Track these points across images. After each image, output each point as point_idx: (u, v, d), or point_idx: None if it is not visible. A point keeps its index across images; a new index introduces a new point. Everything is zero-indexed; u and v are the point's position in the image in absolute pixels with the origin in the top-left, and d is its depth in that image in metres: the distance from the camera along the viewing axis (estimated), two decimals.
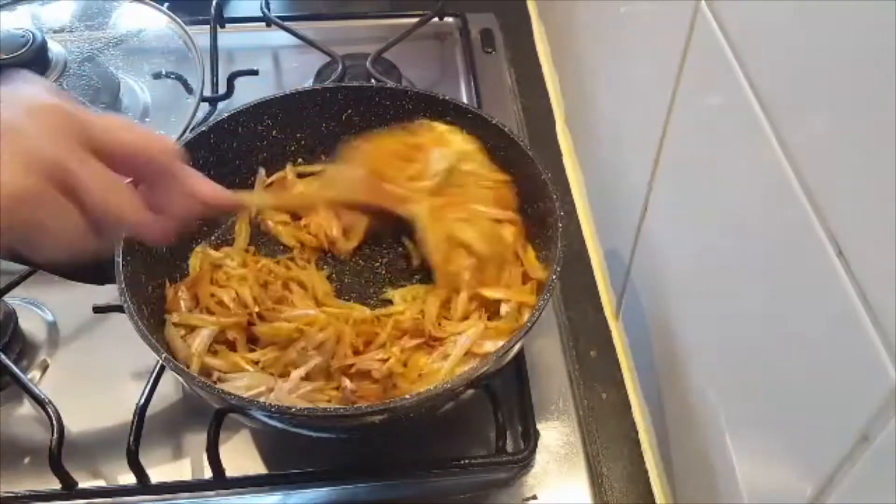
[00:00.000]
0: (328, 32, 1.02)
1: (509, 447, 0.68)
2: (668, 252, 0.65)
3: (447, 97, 0.77)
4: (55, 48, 0.86)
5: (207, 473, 0.65)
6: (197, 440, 0.68)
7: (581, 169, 0.91)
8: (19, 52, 0.82)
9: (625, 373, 0.77)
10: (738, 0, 0.48)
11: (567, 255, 0.65)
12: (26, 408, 0.71)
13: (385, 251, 0.77)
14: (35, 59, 0.83)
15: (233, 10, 1.08)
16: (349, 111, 0.80)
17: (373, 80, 0.91)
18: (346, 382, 0.63)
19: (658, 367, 0.70)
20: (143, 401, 0.67)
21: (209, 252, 0.73)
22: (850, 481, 0.39)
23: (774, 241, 0.46)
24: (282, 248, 0.77)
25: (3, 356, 0.71)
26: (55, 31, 0.90)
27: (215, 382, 0.63)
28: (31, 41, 0.82)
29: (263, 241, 0.78)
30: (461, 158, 0.72)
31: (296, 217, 0.78)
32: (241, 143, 0.77)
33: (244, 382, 0.64)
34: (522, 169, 0.73)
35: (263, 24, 1.02)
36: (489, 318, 0.69)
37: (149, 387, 0.67)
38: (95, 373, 0.74)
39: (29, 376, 0.72)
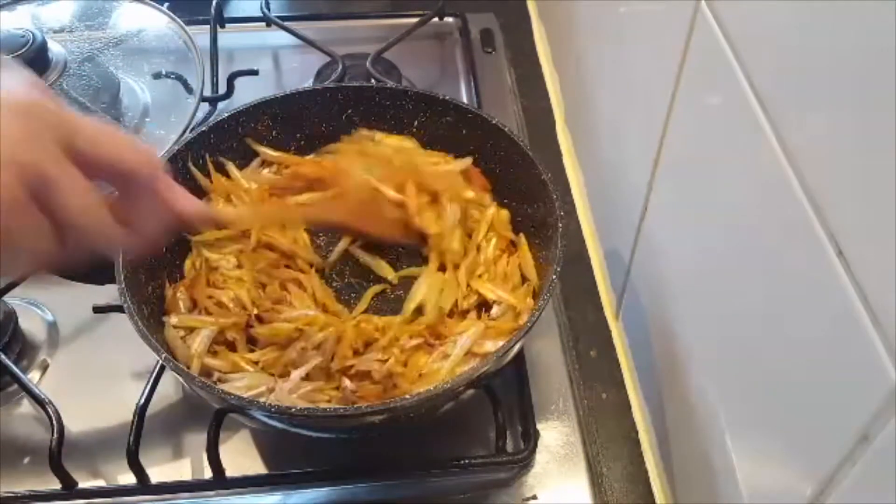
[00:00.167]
0: (328, 32, 1.03)
1: (509, 447, 0.68)
2: (668, 252, 0.65)
3: (447, 97, 0.77)
4: (55, 48, 0.86)
5: (207, 473, 0.65)
6: (197, 440, 0.68)
7: (581, 169, 0.91)
8: (19, 52, 0.82)
9: (625, 373, 0.77)
10: (738, 0, 0.48)
11: (567, 255, 0.65)
12: (26, 408, 0.71)
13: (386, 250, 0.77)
14: (35, 59, 0.83)
15: (233, 10, 1.08)
16: (349, 111, 0.80)
17: (373, 80, 0.91)
18: (346, 382, 0.63)
19: (658, 367, 0.70)
20: (143, 401, 0.67)
21: (204, 253, 0.73)
22: (850, 481, 0.39)
23: (774, 241, 0.46)
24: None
25: (3, 356, 0.71)
26: (55, 31, 0.90)
27: (215, 383, 0.63)
28: (31, 41, 0.82)
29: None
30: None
31: None
32: (241, 143, 0.77)
33: (244, 382, 0.64)
34: (522, 169, 0.73)
35: (263, 24, 1.02)
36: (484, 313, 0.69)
37: (149, 387, 0.67)
38: (95, 373, 0.74)
39: (29, 376, 0.72)
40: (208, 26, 0.99)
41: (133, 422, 0.65)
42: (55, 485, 0.65)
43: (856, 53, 0.37)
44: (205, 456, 0.64)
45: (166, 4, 0.95)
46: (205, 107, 0.90)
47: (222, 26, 1.02)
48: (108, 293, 0.68)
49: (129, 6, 0.95)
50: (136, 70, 0.93)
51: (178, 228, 0.52)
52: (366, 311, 0.72)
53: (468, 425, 0.70)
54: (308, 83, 0.98)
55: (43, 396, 0.67)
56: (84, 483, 0.66)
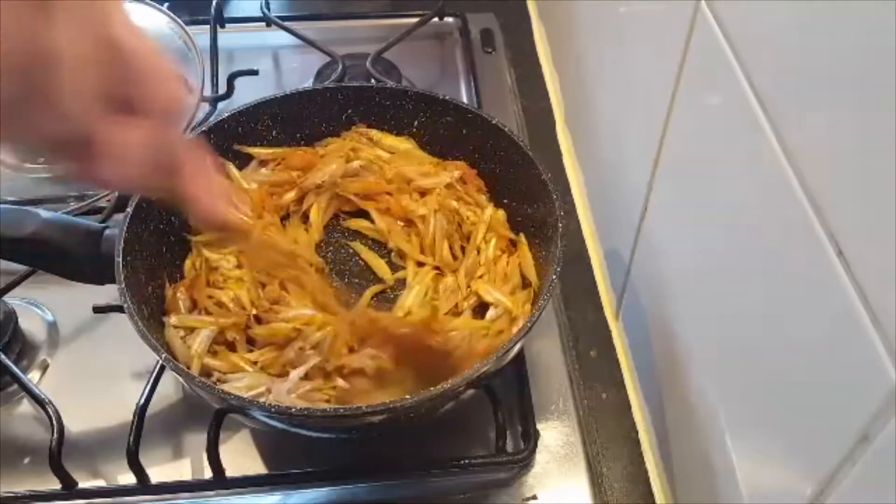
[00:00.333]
0: (328, 32, 1.02)
1: (509, 447, 0.68)
2: (668, 252, 0.65)
3: (447, 97, 0.77)
4: None
5: (207, 473, 0.65)
6: (197, 440, 0.68)
7: (581, 169, 0.91)
8: None
9: (625, 373, 0.77)
10: (738, 0, 0.48)
11: (567, 255, 0.65)
12: (26, 408, 0.71)
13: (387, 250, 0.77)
14: None
15: (233, 10, 1.08)
16: (349, 111, 0.80)
17: (373, 80, 0.91)
18: (340, 382, 0.63)
19: (658, 367, 0.70)
20: (143, 401, 0.66)
21: (204, 253, 0.73)
22: (850, 481, 0.39)
23: (774, 240, 0.46)
24: None
25: (3, 356, 0.71)
26: None
27: (216, 383, 0.63)
28: None
29: None
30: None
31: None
32: (241, 143, 0.77)
33: (244, 383, 0.64)
34: (522, 169, 0.73)
35: (263, 24, 1.02)
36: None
37: (149, 387, 0.67)
38: (95, 373, 0.74)
39: (29, 376, 0.72)
40: (208, 26, 0.99)
41: (133, 422, 0.65)
42: (55, 485, 0.65)
43: (856, 53, 0.37)
44: (205, 456, 0.64)
45: (166, 4, 0.95)
46: (205, 107, 0.90)
47: (222, 26, 1.02)
48: (108, 293, 0.68)
49: (129, 6, 0.95)
50: None
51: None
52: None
53: (468, 425, 0.70)
54: (308, 83, 0.98)
55: (43, 396, 0.67)
56: (84, 483, 0.66)
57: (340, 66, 0.93)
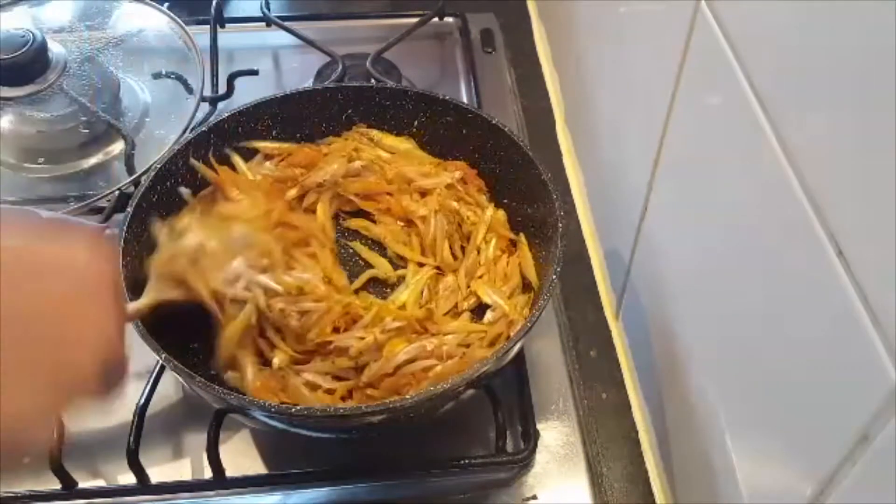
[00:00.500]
0: (328, 32, 1.02)
1: (509, 447, 0.68)
2: (668, 252, 0.65)
3: (447, 97, 0.77)
4: (55, 48, 0.86)
5: (207, 473, 0.65)
6: (197, 440, 0.68)
7: (581, 169, 0.92)
8: (19, 52, 0.82)
9: (625, 373, 0.77)
10: (738, 0, 0.48)
11: (567, 255, 0.65)
12: None
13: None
14: (35, 59, 0.83)
15: (233, 10, 1.08)
16: (349, 111, 0.80)
17: (373, 80, 0.91)
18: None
19: (658, 367, 0.70)
20: (143, 401, 0.67)
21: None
22: (850, 481, 0.39)
23: (774, 241, 0.46)
24: None
25: None
26: (55, 31, 0.90)
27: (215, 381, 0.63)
28: (31, 41, 0.82)
29: None
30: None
31: None
32: (241, 143, 0.77)
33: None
34: (522, 169, 0.73)
35: (263, 24, 1.02)
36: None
37: (149, 387, 0.67)
38: None
39: None
40: (208, 26, 0.99)
41: (133, 422, 0.65)
42: (55, 485, 0.65)
43: (856, 53, 0.37)
44: (205, 456, 0.64)
45: (166, 4, 0.95)
46: (205, 107, 0.90)
47: (222, 26, 1.02)
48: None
49: (129, 6, 0.95)
50: (136, 70, 0.93)
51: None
52: None
53: (468, 425, 0.70)
54: (308, 83, 0.98)
55: None
56: (84, 483, 0.66)
57: (340, 66, 0.93)
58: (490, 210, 0.76)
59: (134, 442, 0.64)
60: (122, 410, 0.67)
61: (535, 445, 0.68)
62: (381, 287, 0.75)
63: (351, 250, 0.78)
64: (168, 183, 0.72)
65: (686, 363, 0.62)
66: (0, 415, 0.38)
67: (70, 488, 0.65)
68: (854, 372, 0.38)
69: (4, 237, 0.40)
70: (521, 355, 0.71)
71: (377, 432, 0.68)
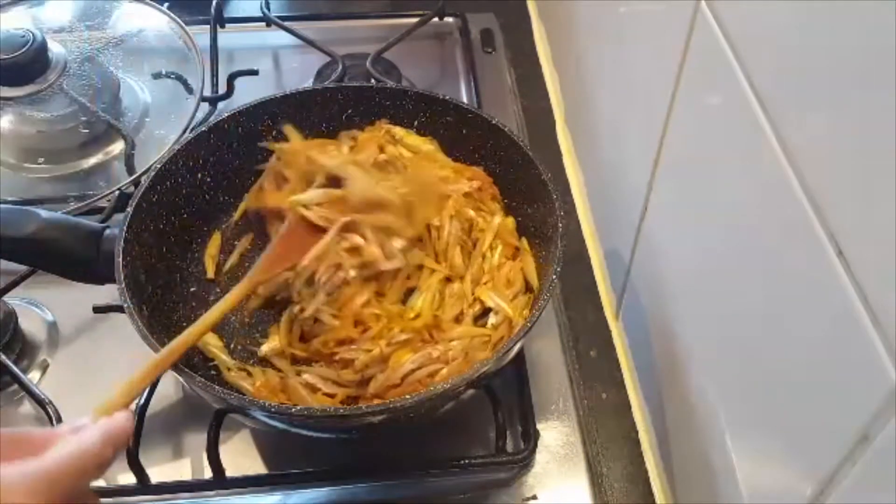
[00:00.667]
0: (328, 32, 1.02)
1: (509, 447, 0.68)
2: (668, 252, 0.65)
3: (447, 97, 0.77)
4: (55, 48, 0.86)
5: (207, 473, 0.65)
6: (197, 440, 0.68)
7: (581, 169, 0.92)
8: (19, 52, 0.82)
9: (625, 373, 0.77)
10: (738, 0, 0.48)
11: (567, 255, 0.65)
12: (26, 408, 0.71)
13: None
14: (35, 59, 0.83)
15: (233, 10, 1.08)
16: (349, 111, 0.80)
17: (373, 80, 0.91)
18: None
19: (658, 367, 0.70)
20: (143, 401, 0.67)
21: None
22: (850, 481, 0.39)
23: (774, 240, 0.46)
24: None
25: (3, 356, 0.71)
26: (55, 31, 0.90)
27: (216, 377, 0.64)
28: (31, 41, 0.82)
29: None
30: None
31: None
32: (241, 143, 0.77)
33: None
34: (522, 169, 0.73)
35: (263, 24, 1.02)
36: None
37: (149, 387, 0.67)
38: (95, 373, 0.73)
39: (29, 376, 0.72)
40: (208, 26, 0.99)
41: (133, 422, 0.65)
42: None
43: (856, 53, 0.37)
44: (205, 456, 0.64)
45: (166, 4, 0.95)
46: (205, 107, 0.90)
47: (222, 26, 1.02)
48: (108, 293, 0.68)
49: (129, 6, 0.95)
50: (136, 70, 0.93)
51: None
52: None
53: (468, 425, 0.70)
54: (308, 83, 0.98)
55: (43, 396, 0.67)
56: None
57: (340, 66, 0.93)
58: (498, 217, 0.75)
59: (134, 442, 0.64)
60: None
61: (535, 445, 0.68)
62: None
63: None
64: (168, 183, 0.72)
65: (686, 363, 0.62)
66: None
67: None
68: (854, 372, 0.38)
69: None
70: (521, 355, 0.71)
71: (377, 432, 0.68)
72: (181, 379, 0.68)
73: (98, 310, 0.72)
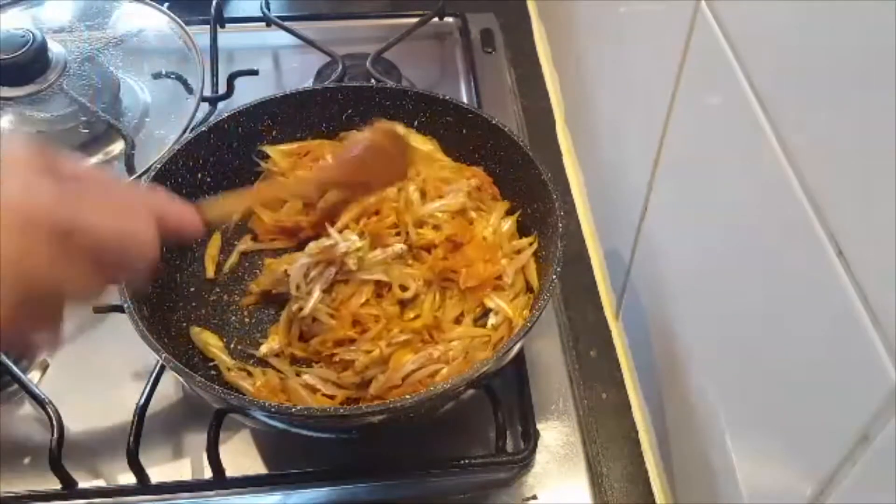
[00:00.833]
0: (328, 32, 1.02)
1: (509, 447, 0.68)
2: (668, 252, 0.65)
3: (447, 97, 0.77)
4: (55, 48, 0.86)
5: (207, 473, 0.65)
6: (197, 440, 0.68)
7: (581, 169, 0.92)
8: (19, 52, 0.82)
9: (625, 373, 0.77)
10: (738, 0, 0.48)
11: (567, 255, 0.65)
12: (26, 408, 0.71)
13: None
14: (35, 59, 0.83)
15: (233, 10, 1.08)
16: (349, 111, 0.80)
17: (373, 80, 0.91)
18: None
19: (658, 367, 0.70)
20: (143, 401, 0.67)
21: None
22: (850, 481, 0.39)
23: (774, 241, 0.46)
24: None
25: (3, 356, 0.71)
26: (55, 31, 0.90)
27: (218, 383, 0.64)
28: (31, 41, 0.82)
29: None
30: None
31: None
32: (241, 143, 0.77)
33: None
34: (522, 169, 0.73)
35: (263, 24, 1.02)
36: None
37: (149, 387, 0.67)
38: (95, 373, 0.74)
39: (29, 376, 0.72)
40: (208, 26, 0.99)
41: (133, 422, 0.65)
42: (55, 485, 0.65)
43: (856, 53, 0.37)
44: (205, 456, 0.64)
45: (166, 4, 0.95)
46: (205, 107, 0.90)
47: (222, 26, 1.02)
48: (108, 293, 0.68)
49: (129, 6, 0.95)
50: (136, 70, 0.93)
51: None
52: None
53: (468, 425, 0.70)
54: (308, 83, 0.98)
55: (43, 396, 0.67)
56: (84, 483, 0.66)
57: (340, 66, 0.93)
58: (494, 216, 0.75)
59: (134, 442, 0.64)
60: (122, 410, 0.67)
61: (535, 445, 0.68)
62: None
63: None
64: (168, 183, 0.72)
65: (686, 363, 0.62)
66: None
67: (70, 488, 0.65)
68: (854, 372, 0.38)
69: None
70: (521, 355, 0.71)
71: (377, 432, 0.68)
72: (181, 379, 0.68)
73: (98, 310, 0.72)
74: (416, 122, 0.79)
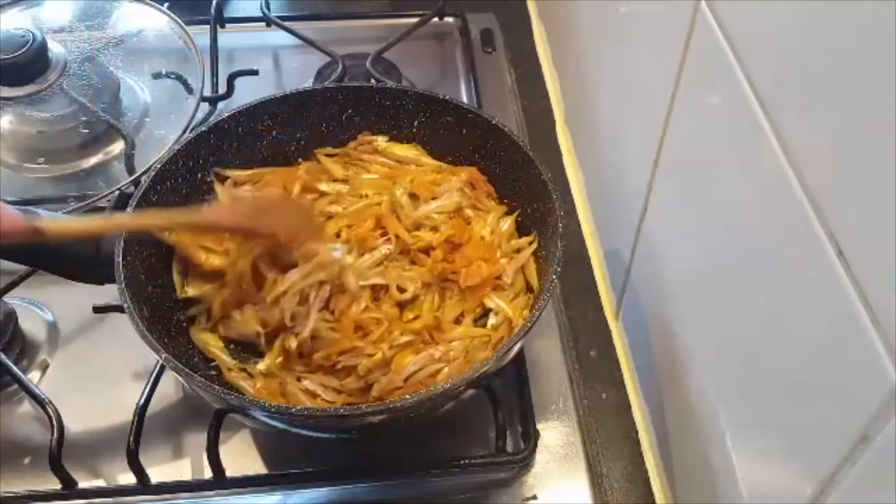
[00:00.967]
0: (328, 32, 1.02)
1: (509, 447, 0.68)
2: (668, 252, 0.65)
3: (447, 97, 0.77)
4: (55, 48, 0.86)
5: (207, 473, 0.65)
6: (197, 440, 0.68)
7: (581, 169, 0.92)
8: (19, 52, 0.82)
9: (625, 373, 0.77)
10: (738, 0, 0.48)
11: (567, 255, 0.65)
12: (26, 408, 0.71)
13: None
14: (35, 59, 0.83)
15: (233, 10, 1.08)
16: (349, 111, 0.80)
17: (373, 80, 0.91)
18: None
19: (658, 367, 0.70)
20: (143, 401, 0.67)
21: None
22: (850, 481, 0.39)
23: (774, 240, 0.46)
24: None
25: (3, 356, 0.71)
26: (55, 31, 0.90)
27: (217, 384, 0.64)
28: (31, 41, 0.82)
29: None
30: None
31: None
32: (241, 143, 0.77)
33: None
34: (522, 169, 0.73)
35: (263, 24, 1.02)
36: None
37: (149, 387, 0.67)
38: (95, 373, 0.74)
39: (29, 376, 0.72)
40: (208, 26, 0.99)
41: (133, 422, 0.65)
42: (55, 485, 0.65)
43: (856, 53, 0.37)
44: (205, 456, 0.64)
45: (166, 4, 0.95)
46: (205, 107, 0.90)
47: (222, 26, 1.02)
48: (108, 293, 0.68)
49: (129, 6, 0.95)
50: (136, 70, 0.93)
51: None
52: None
53: (468, 425, 0.70)
54: (308, 83, 0.98)
55: (43, 396, 0.67)
56: (84, 483, 0.66)
57: (340, 66, 0.93)
58: (492, 216, 0.75)
59: (134, 442, 0.64)
60: (122, 410, 0.67)
61: (535, 445, 0.68)
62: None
63: None
64: (168, 183, 0.72)
65: (686, 363, 0.62)
66: None
67: (70, 488, 0.65)
68: (854, 372, 0.38)
69: None
70: (521, 355, 0.71)
71: (377, 432, 0.68)
72: (181, 379, 0.68)
73: (98, 310, 0.73)
74: (415, 122, 0.79)
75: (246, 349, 0.70)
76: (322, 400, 0.65)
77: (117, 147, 0.88)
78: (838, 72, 0.38)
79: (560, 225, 0.67)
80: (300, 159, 0.80)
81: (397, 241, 0.73)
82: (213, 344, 0.69)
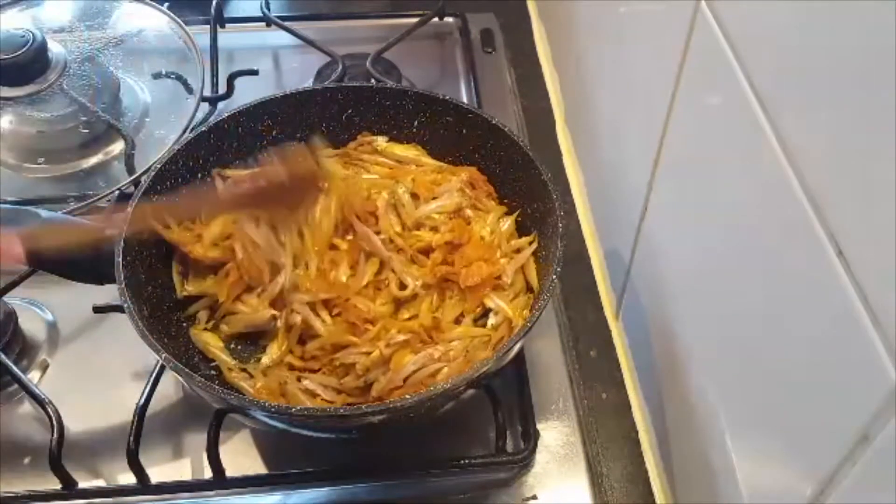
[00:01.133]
0: (328, 32, 1.02)
1: (509, 447, 0.68)
2: (668, 252, 0.65)
3: (447, 97, 0.77)
4: (55, 48, 0.86)
5: (207, 473, 0.65)
6: (197, 440, 0.68)
7: (581, 169, 0.92)
8: (19, 52, 0.82)
9: (625, 373, 0.77)
10: (738, 0, 0.48)
11: (567, 255, 0.65)
12: (26, 408, 0.71)
13: None
14: (35, 59, 0.83)
15: (233, 10, 1.08)
16: (349, 111, 0.80)
17: (373, 80, 0.91)
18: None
19: (658, 367, 0.70)
20: (143, 401, 0.67)
21: None
22: (850, 481, 0.39)
23: (774, 241, 0.46)
24: None
25: (3, 356, 0.71)
26: (55, 31, 0.90)
27: (217, 383, 0.64)
28: (31, 41, 0.82)
29: None
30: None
31: None
32: (241, 143, 0.77)
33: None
34: (522, 169, 0.73)
35: (263, 24, 1.02)
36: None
37: (149, 387, 0.67)
38: (95, 373, 0.74)
39: (29, 376, 0.72)
40: (208, 26, 0.99)
41: (133, 422, 0.65)
42: (55, 485, 0.65)
43: (856, 53, 0.37)
44: (205, 456, 0.64)
45: (166, 4, 0.95)
46: (205, 107, 0.90)
47: (222, 26, 1.02)
48: (108, 293, 0.68)
49: (129, 6, 0.95)
50: (136, 70, 0.93)
51: None
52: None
53: (468, 425, 0.70)
54: (308, 83, 0.98)
55: (43, 396, 0.67)
56: (84, 483, 0.66)
57: (340, 66, 0.93)
58: (491, 216, 0.75)
59: (134, 442, 0.64)
60: (122, 410, 0.67)
61: (535, 445, 0.68)
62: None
63: None
64: (168, 183, 0.72)
65: (686, 363, 0.62)
66: None
67: (70, 488, 0.65)
68: (854, 372, 0.38)
69: None
70: (521, 355, 0.71)
71: (377, 432, 0.68)
72: (181, 379, 0.68)
73: (98, 310, 0.73)
74: (415, 122, 0.79)
75: (246, 349, 0.70)
76: (322, 400, 0.65)
77: (117, 147, 0.88)
78: (838, 72, 0.38)
79: (560, 225, 0.67)
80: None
81: (391, 243, 0.73)
82: (213, 344, 0.69)
